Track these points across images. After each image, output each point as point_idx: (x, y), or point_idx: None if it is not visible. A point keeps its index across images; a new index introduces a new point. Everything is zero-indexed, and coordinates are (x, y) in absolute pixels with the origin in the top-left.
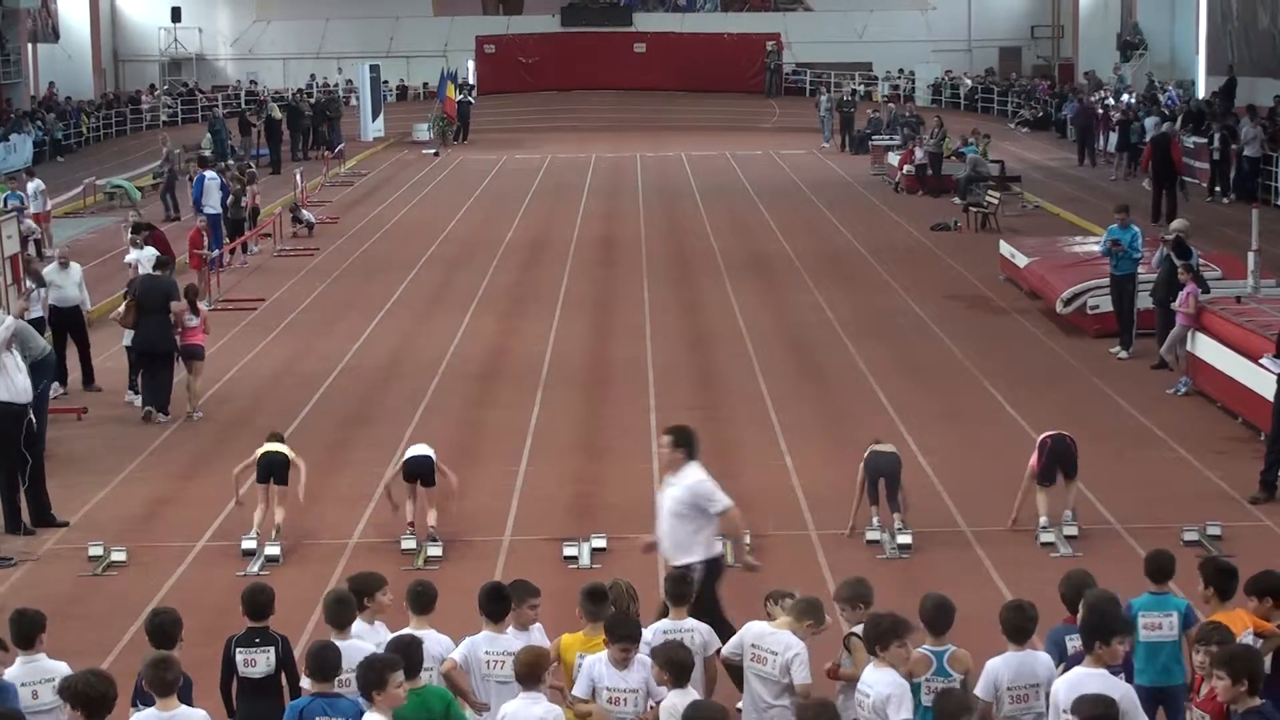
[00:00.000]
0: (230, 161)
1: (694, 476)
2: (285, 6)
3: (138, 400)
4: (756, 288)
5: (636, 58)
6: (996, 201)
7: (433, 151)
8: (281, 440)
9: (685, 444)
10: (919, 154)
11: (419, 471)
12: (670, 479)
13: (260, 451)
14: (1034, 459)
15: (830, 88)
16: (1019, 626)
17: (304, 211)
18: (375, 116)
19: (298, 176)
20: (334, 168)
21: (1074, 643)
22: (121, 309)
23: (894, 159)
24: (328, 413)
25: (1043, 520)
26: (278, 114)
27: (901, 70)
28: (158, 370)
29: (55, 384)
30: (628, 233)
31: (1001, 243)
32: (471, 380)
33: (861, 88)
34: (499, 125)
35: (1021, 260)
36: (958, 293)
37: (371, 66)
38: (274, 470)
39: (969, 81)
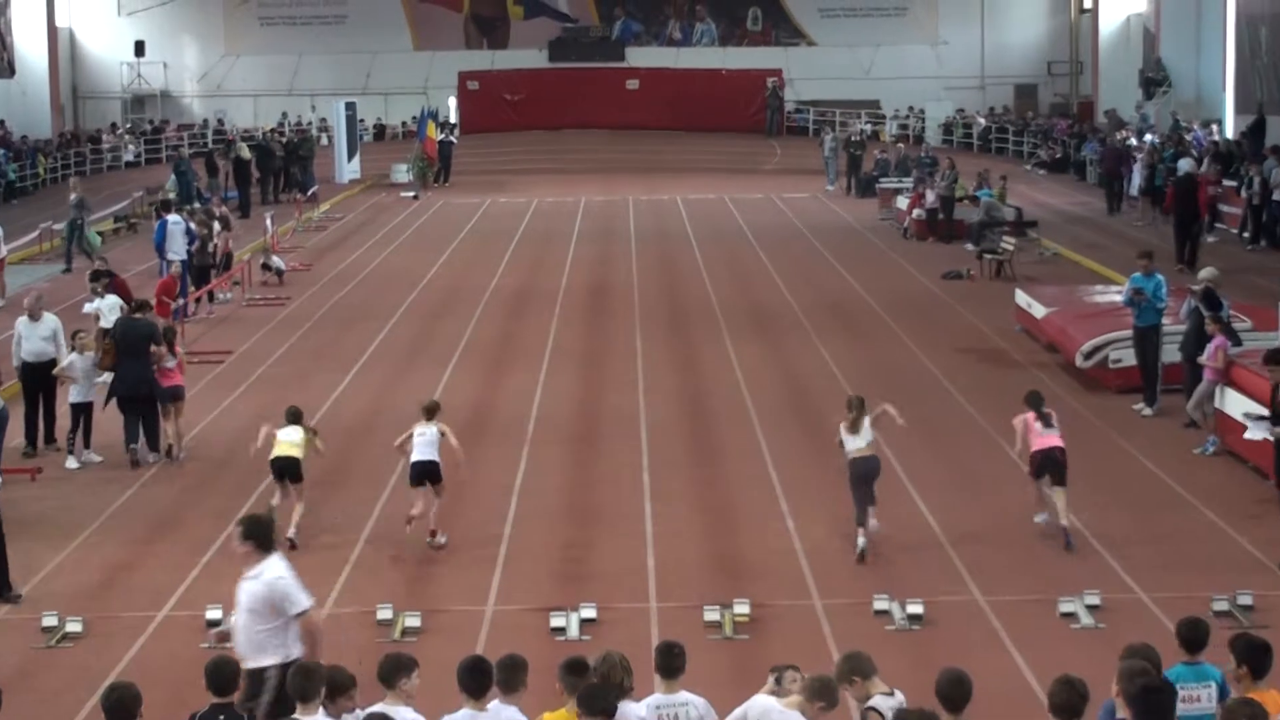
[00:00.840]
0: (197, 205)
1: (274, 572)
2: (255, 40)
3: (73, 463)
4: (756, 340)
5: (629, 95)
6: (1012, 248)
7: (412, 194)
8: (299, 420)
9: (256, 535)
10: (929, 197)
11: (425, 475)
12: (248, 572)
13: (272, 454)
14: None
15: (835, 127)
16: (1069, 704)
17: (275, 258)
18: (351, 157)
19: (268, 221)
20: (307, 211)
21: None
22: (91, 353)
23: (903, 203)
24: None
25: (1038, 518)
26: (247, 154)
27: (910, 108)
28: (144, 414)
29: (25, 444)
30: (620, 281)
31: (1017, 292)
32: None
33: (868, 127)
34: (483, 166)
35: (1039, 310)
36: (971, 346)
37: (347, 104)
38: (287, 472)
39: (982, 120)
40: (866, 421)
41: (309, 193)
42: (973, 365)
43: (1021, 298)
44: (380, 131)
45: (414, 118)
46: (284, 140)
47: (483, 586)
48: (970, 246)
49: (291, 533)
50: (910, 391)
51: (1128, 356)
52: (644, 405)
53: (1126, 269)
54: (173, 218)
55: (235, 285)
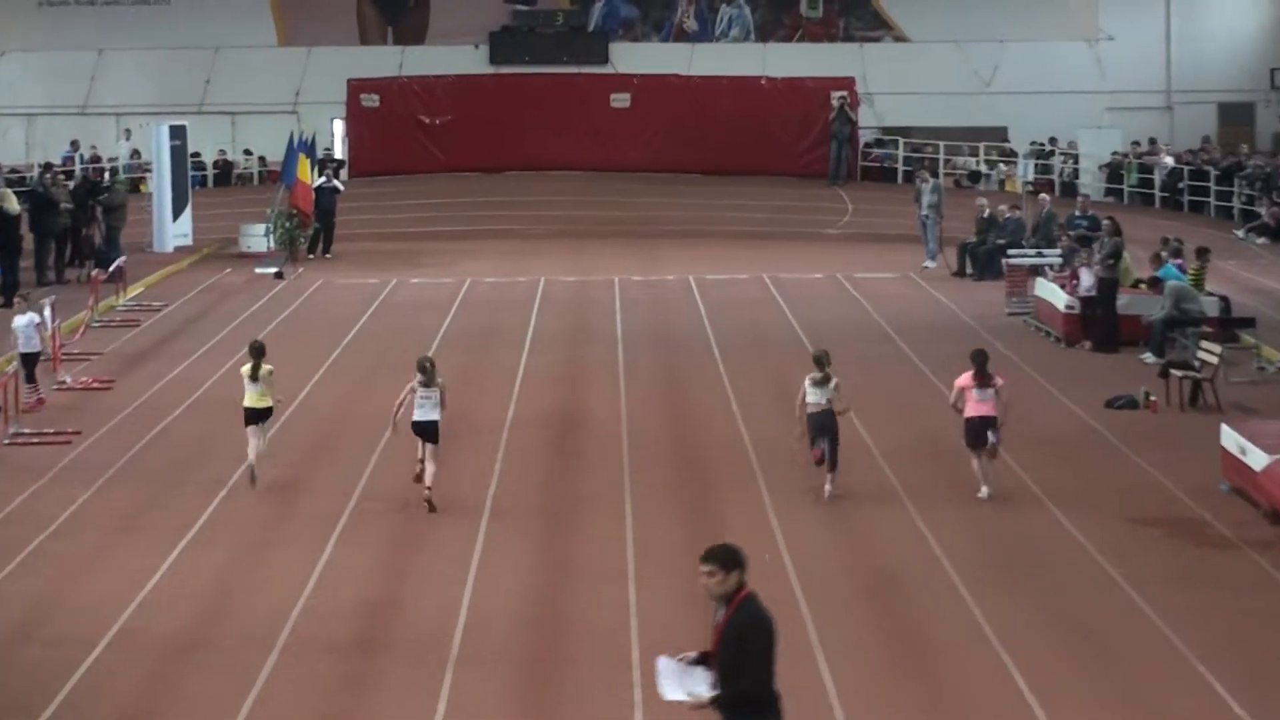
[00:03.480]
0: None
1: None
2: (30, 29)
3: None
4: (818, 506)
5: (616, 116)
6: (1215, 360)
7: (273, 271)
8: (262, 355)
9: None
10: (1085, 280)
11: (424, 433)
12: None
13: (244, 404)
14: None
15: (939, 169)
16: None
17: (59, 373)
18: (179, 212)
19: (47, 311)
20: (108, 299)
21: None
22: None
23: (1045, 288)
24: (94, 711)
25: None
26: (15, 207)
27: (1054, 141)
28: None
29: None
30: (598, 411)
31: (1224, 430)
32: (332, 655)
33: (988, 170)
34: (385, 228)
35: (1259, 459)
36: (1150, 513)
37: (174, 129)
38: (259, 419)
39: (1168, 160)
40: (833, 381)
41: (112, 267)
42: (1153, 543)
43: (1231, 438)
44: (225, 172)
45: (285, 150)
46: (73, 185)
47: None
48: (1150, 358)
49: None
50: (1056, 584)
51: None
52: (637, 609)
53: None
54: None
55: None
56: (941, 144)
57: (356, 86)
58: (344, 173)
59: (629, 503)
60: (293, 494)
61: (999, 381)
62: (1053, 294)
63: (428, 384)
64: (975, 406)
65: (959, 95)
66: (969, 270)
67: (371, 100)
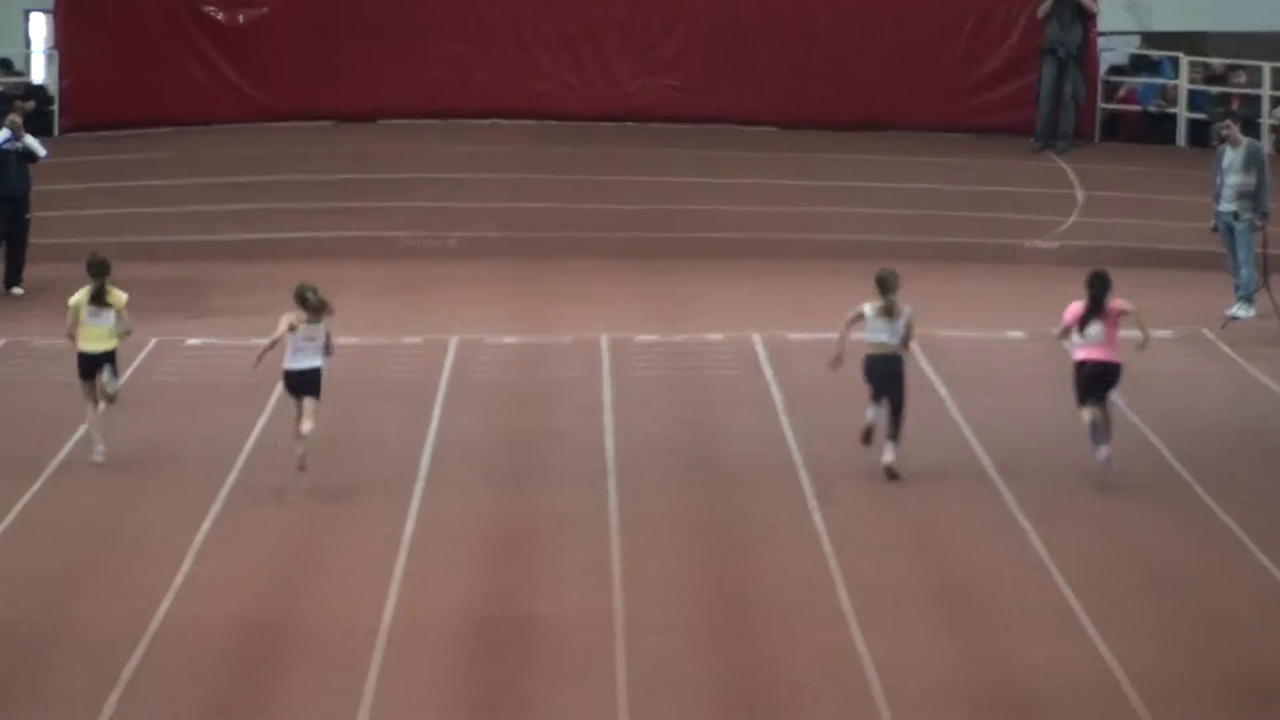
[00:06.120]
0: None
1: None
2: None
3: None
4: None
5: (610, 9)
6: None
7: None
8: (105, 272)
9: None
10: None
11: (304, 386)
12: None
13: (80, 346)
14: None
15: (1257, 121)
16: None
17: None
18: None
19: None
20: None
21: None
22: None
23: None
24: None
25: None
26: None
27: None
28: None
29: None
30: (566, 616)
31: None
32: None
33: None
34: (134, 233)
35: None
36: None
37: None
38: (104, 360)
39: None
40: (906, 313)
41: None
42: None
43: None
44: None
45: None
46: None
47: None
48: None
49: None
50: (1218, 617)
51: None
52: None
53: None
54: None
55: None
56: (1266, 67)
57: None
58: (52, 122)
59: None
60: None
61: (1123, 306)
62: None
63: (313, 321)
64: (1085, 349)
65: None
66: None
67: None
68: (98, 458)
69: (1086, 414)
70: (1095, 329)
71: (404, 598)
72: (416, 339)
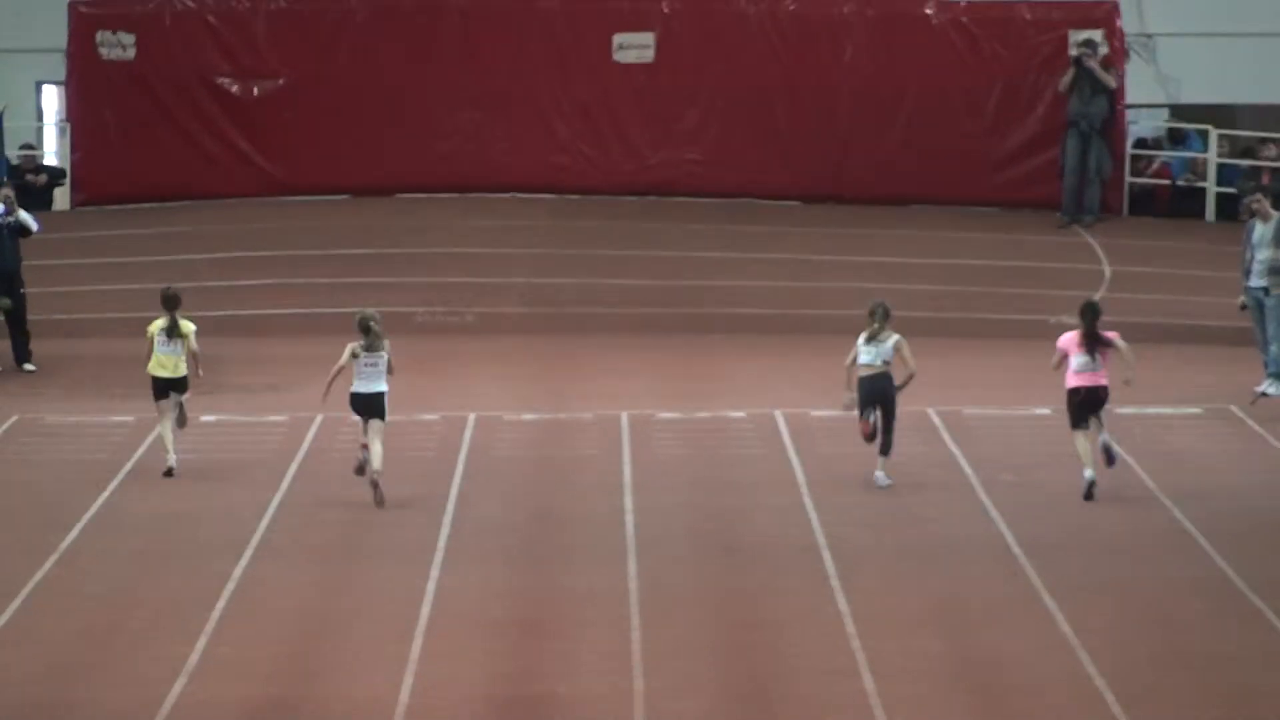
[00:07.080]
0: None
1: None
2: None
3: None
4: None
5: (626, 81)
6: None
7: None
8: (176, 306)
9: None
10: None
11: (369, 408)
12: None
13: (152, 370)
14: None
15: None
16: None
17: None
18: None
19: None
20: None
21: None
22: None
23: None
24: None
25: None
26: None
27: None
28: None
29: None
30: (586, 704)
31: None
32: None
33: None
34: (143, 309)
35: None
36: None
37: None
38: (173, 387)
39: None
40: (892, 338)
41: None
42: None
43: None
44: None
45: None
46: None
47: None
48: None
49: None
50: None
51: None
52: None
53: None
54: None
55: None
56: None
57: (89, 18)
58: (62, 194)
59: None
60: None
61: (1112, 338)
62: None
63: (372, 347)
64: (1078, 376)
65: None
66: None
67: (119, 46)
68: (170, 462)
69: (1080, 442)
70: (1086, 358)
71: (421, 678)
72: (433, 414)
